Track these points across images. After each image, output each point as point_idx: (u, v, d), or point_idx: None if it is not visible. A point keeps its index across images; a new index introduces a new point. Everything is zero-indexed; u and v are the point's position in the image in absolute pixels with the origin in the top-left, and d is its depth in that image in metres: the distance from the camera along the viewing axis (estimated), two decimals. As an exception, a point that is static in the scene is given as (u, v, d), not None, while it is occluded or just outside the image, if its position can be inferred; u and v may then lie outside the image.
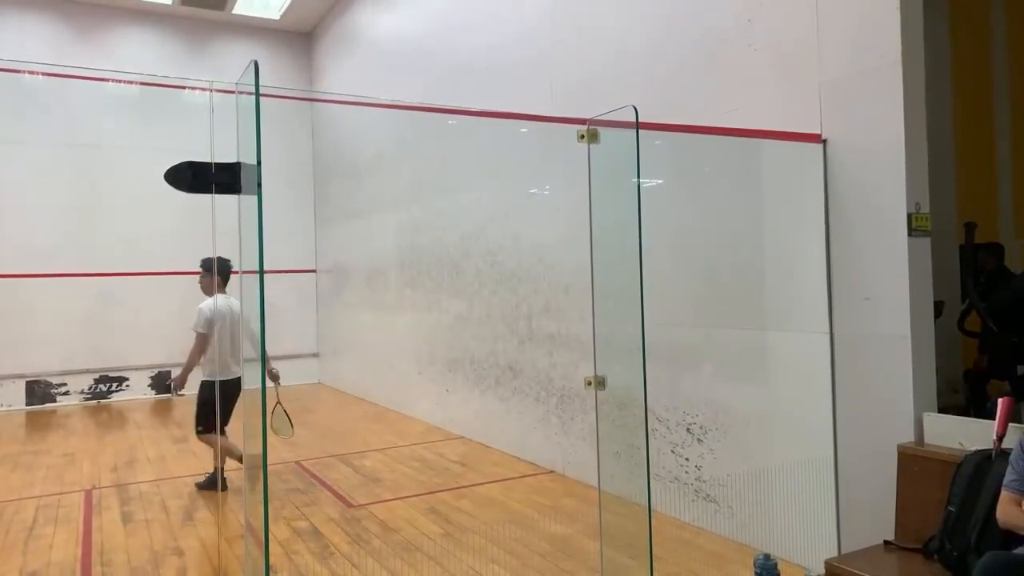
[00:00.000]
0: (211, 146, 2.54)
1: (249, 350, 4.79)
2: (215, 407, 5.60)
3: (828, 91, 3.76)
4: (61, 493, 5.68)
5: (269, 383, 5.80)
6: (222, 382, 5.51)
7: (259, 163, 2.21)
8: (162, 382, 10.68)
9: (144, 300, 10.48)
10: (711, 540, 4.37)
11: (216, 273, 5.67)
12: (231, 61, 11.36)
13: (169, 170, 2.38)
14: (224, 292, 5.72)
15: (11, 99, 9.88)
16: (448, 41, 7.72)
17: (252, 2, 10.84)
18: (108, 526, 4.88)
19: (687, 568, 3.98)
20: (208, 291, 5.72)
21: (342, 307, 10.92)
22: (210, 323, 5.57)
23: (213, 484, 5.64)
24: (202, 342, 5.58)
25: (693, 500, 4.61)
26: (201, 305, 5.64)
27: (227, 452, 5.54)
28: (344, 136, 10.83)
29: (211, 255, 5.56)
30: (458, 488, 5.63)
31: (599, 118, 3.20)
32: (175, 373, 10.56)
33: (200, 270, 5.82)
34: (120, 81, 10.73)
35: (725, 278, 4.40)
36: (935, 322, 3.55)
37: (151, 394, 10.66)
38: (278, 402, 5.62)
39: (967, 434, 3.21)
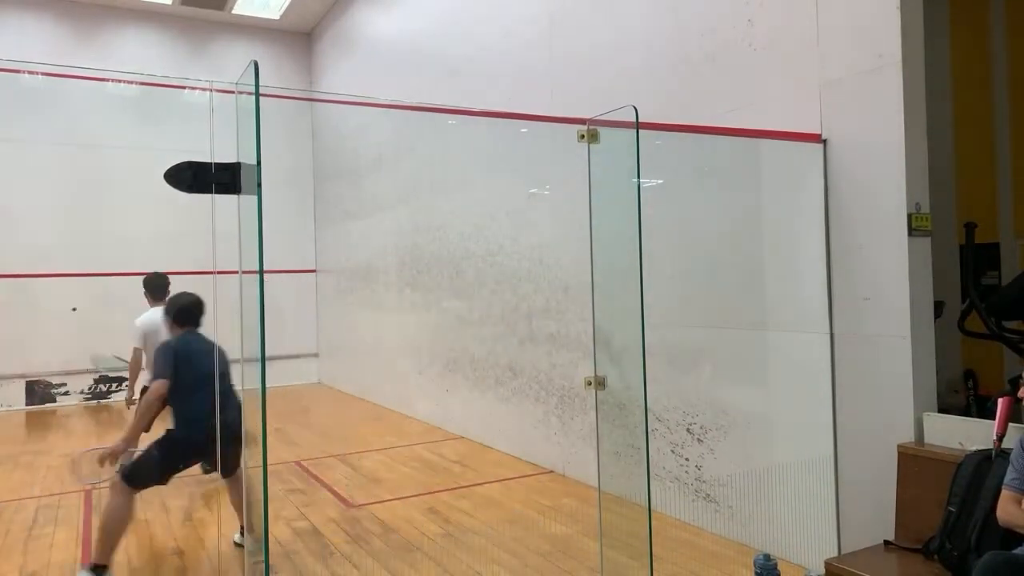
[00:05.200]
0: (211, 146, 2.55)
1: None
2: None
3: (828, 91, 3.76)
4: (61, 493, 5.68)
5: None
6: None
7: (259, 163, 2.21)
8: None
9: (144, 300, 10.46)
10: (711, 540, 4.37)
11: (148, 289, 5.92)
12: (231, 61, 11.35)
13: (169, 170, 2.38)
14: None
15: (11, 99, 9.88)
16: (448, 41, 7.72)
17: (252, 2, 10.84)
18: (108, 526, 4.87)
19: (687, 568, 3.98)
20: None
21: (342, 307, 10.92)
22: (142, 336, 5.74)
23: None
24: (138, 355, 5.79)
25: (693, 500, 4.61)
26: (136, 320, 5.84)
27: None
28: (344, 136, 10.83)
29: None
30: (458, 488, 5.63)
31: (599, 118, 3.20)
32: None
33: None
34: (120, 81, 10.72)
35: (725, 278, 4.40)
36: (935, 322, 3.55)
37: (151, 394, 10.64)
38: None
39: (967, 434, 3.21)
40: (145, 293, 5.97)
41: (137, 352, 5.80)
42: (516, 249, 6.46)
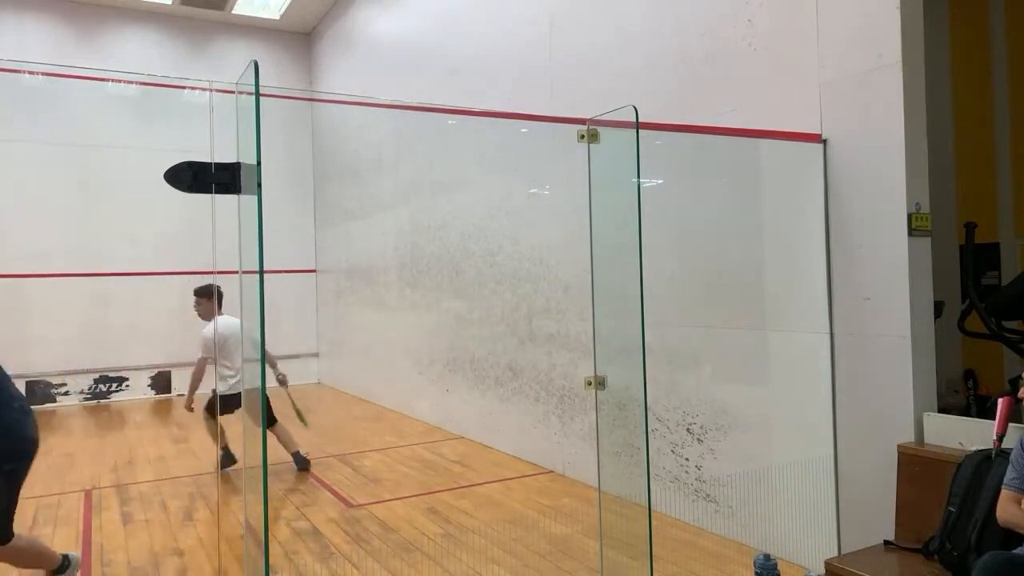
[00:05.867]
0: (211, 146, 2.54)
1: (250, 352, 4.96)
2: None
3: (828, 91, 3.76)
4: (61, 493, 5.68)
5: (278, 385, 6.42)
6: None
7: (259, 163, 2.21)
8: (162, 382, 10.69)
9: (144, 300, 10.48)
10: (711, 540, 4.37)
11: (214, 297, 6.06)
12: (231, 61, 11.36)
13: (169, 170, 2.37)
14: (221, 313, 6.09)
15: (11, 99, 9.88)
16: (448, 41, 7.72)
17: (252, 2, 10.84)
18: (108, 526, 4.88)
19: (687, 568, 3.98)
20: (207, 316, 6.04)
21: (342, 307, 10.92)
22: (211, 346, 5.96)
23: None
24: (203, 365, 5.98)
25: (693, 500, 4.60)
26: (203, 331, 6.03)
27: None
28: (344, 136, 10.83)
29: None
30: (458, 488, 5.63)
31: (599, 118, 3.20)
32: (175, 373, 10.65)
33: (197, 297, 6.10)
34: (120, 81, 10.73)
35: (725, 278, 4.40)
36: (935, 322, 3.55)
37: (151, 394, 10.66)
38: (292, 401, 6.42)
39: (967, 434, 3.21)
40: (202, 304, 6.09)
41: (202, 361, 5.97)
42: (516, 249, 6.46)
